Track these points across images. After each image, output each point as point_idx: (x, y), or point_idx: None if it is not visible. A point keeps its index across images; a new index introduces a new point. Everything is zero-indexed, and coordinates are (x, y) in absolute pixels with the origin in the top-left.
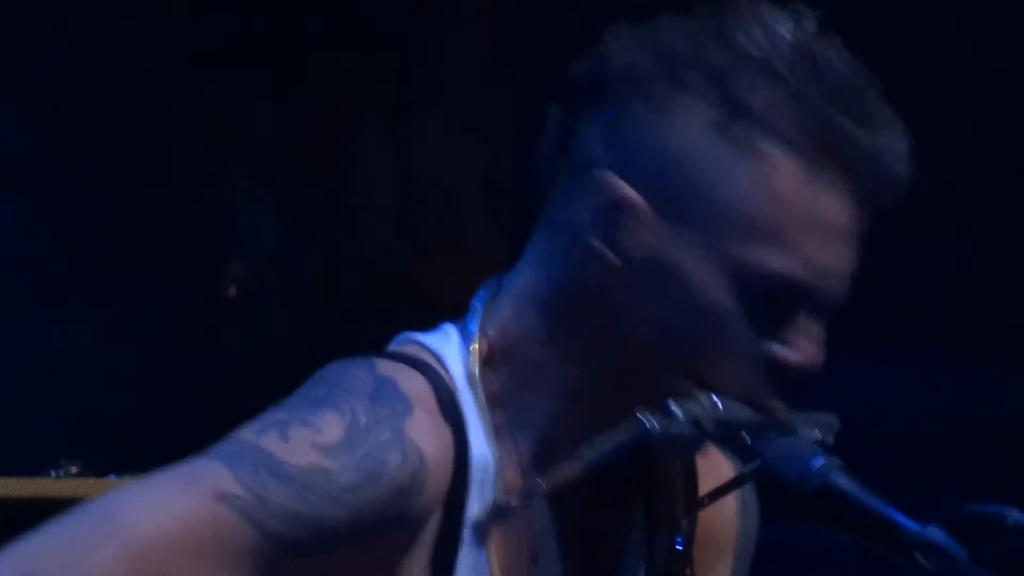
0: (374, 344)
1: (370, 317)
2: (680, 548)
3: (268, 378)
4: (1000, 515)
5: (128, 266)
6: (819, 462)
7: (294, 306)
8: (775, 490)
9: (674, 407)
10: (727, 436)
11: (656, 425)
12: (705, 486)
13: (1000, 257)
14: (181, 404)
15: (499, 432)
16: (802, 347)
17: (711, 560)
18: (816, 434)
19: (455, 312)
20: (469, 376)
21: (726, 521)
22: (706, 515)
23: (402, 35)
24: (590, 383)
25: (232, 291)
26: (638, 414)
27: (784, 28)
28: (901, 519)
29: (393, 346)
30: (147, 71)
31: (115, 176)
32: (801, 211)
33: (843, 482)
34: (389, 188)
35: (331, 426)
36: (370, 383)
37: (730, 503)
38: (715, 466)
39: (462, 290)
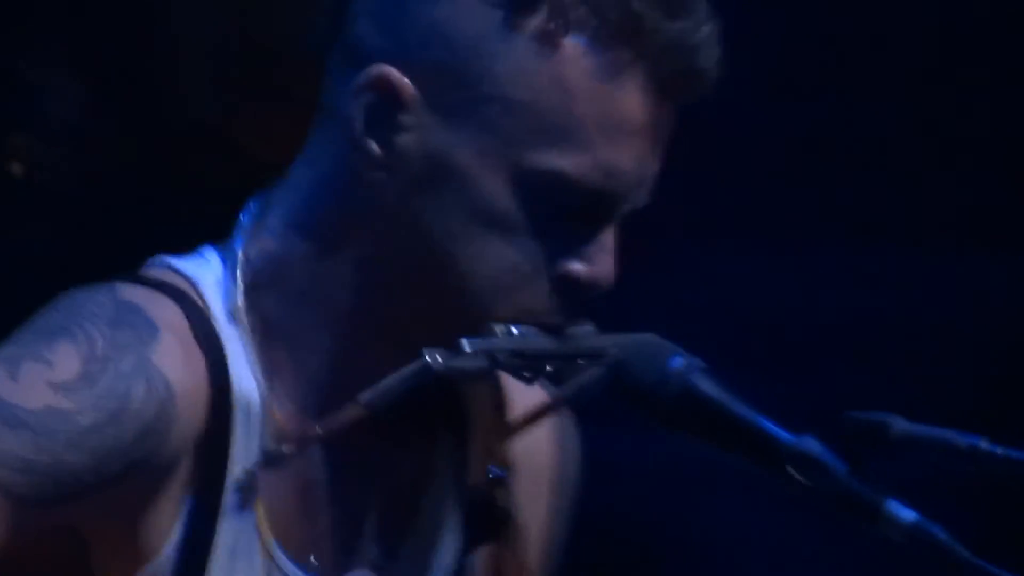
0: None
1: (183, 190)
2: (496, 475)
3: (63, 269)
4: (883, 423)
5: None
6: (679, 363)
7: (92, 184)
8: (630, 394)
9: (465, 342)
10: (528, 367)
11: (440, 361)
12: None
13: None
14: None
15: (269, 368)
16: (595, 259)
17: (531, 492)
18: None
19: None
20: (231, 305)
21: (542, 455)
22: (519, 448)
23: None
24: (366, 309)
25: (17, 169)
26: (423, 350)
27: None
28: (772, 428)
29: (143, 269)
30: None
31: None
32: (593, 106)
33: (706, 385)
34: (202, 38)
35: (66, 359)
36: (110, 309)
37: (545, 436)
38: (531, 395)
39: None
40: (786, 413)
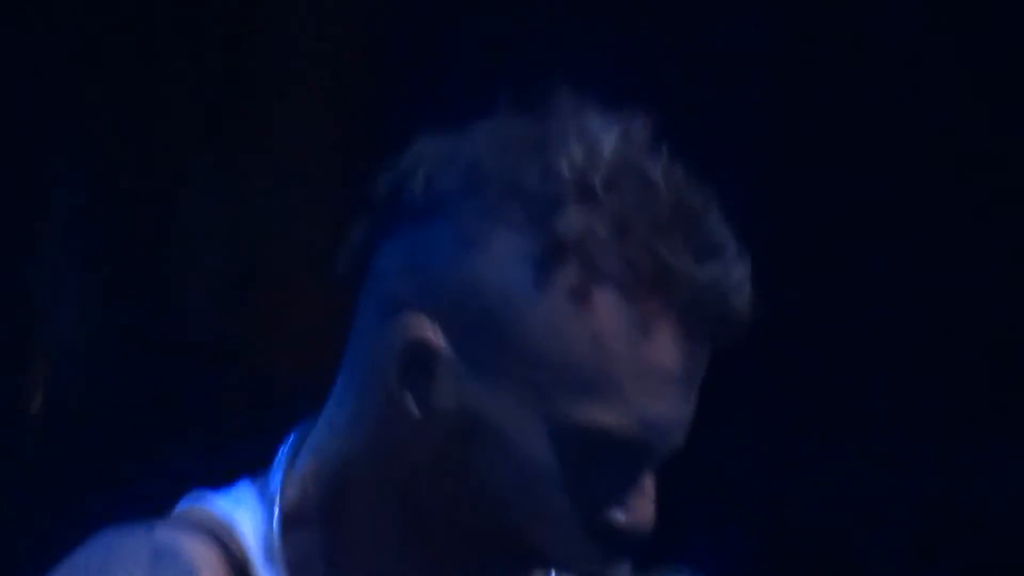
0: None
1: (198, 413)
2: None
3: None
4: None
5: None
6: None
7: (109, 417)
8: None
9: None
10: None
11: None
12: None
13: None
14: None
15: None
16: (635, 507)
17: None
18: None
19: (294, 398)
20: (268, 546)
21: None
22: None
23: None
24: (402, 553)
25: (36, 408)
26: None
27: (607, 141)
28: None
29: (179, 508)
30: None
31: None
32: (628, 359)
33: None
34: (217, 257)
35: None
36: (148, 550)
37: None
38: None
39: (305, 375)
40: None
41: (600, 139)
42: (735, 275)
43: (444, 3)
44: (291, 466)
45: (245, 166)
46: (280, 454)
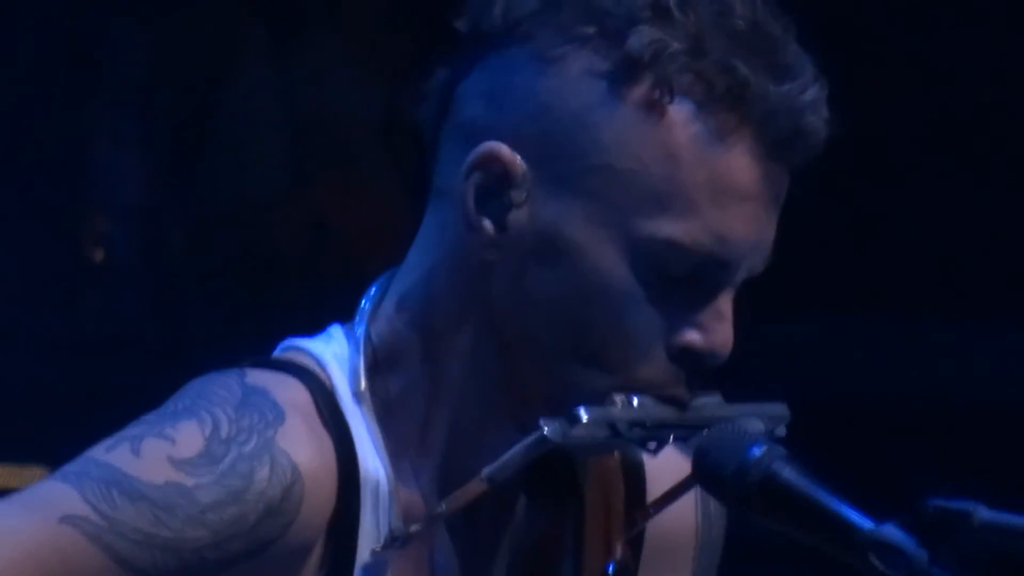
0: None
1: (253, 280)
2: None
3: (142, 348)
4: (966, 512)
5: None
6: (759, 450)
7: (167, 267)
8: (711, 482)
9: (582, 411)
10: (650, 437)
11: (558, 432)
12: (657, 489)
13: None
14: (43, 371)
15: (394, 448)
16: (712, 329)
17: (666, 568)
18: (760, 427)
19: (353, 271)
20: (356, 385)
21: (684, 525)
22: (660, 518)
23: None
24: (485, 385)
25: (100, 254)
26: (541, 421)
27: None
28: (854, 515)
29: (275, 352)
30: None
31: None
32: (705, 174)
33: (787, 473)
34: (273, 127)
35: (189, 437)
36: (237, 392)
37: (687, 504)
38: (668, 465)
39: (361, 250)
40: (868, 498)
41: None
42: (810, 94)
43: None
44: (377, 311)
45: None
46: (366, 297)
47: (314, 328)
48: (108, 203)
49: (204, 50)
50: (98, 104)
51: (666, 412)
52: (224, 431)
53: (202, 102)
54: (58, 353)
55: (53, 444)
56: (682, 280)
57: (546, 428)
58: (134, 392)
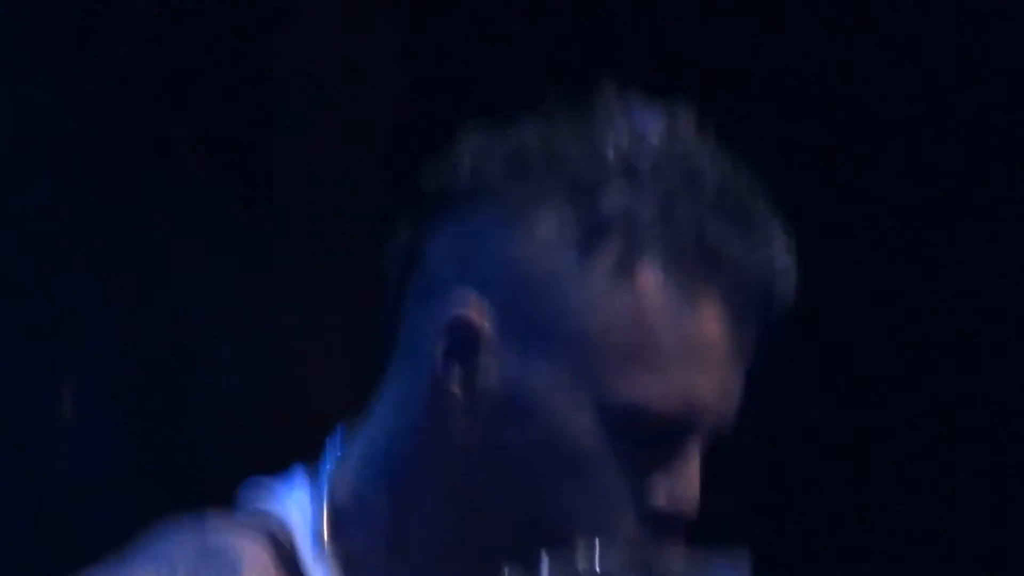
0: None
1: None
2: None
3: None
4: None
5: None
6: None
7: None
8: None
9: (544, 563)
10: None
11: None
12: None
13: None
14: None
15: None
16: (677, 492)
17: None
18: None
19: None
20: (317, 541)
21: None
22: None
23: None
24: (450, 543)
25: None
26: (504, 567)
27: (653, 129)
28: None
29: (239, 497)
30: None
31: None
32: (671, 336)
33: None
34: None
35: None
36: (194, 550)
37: None
38: None
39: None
40: None
41: (646, 126)
42: (780, 260)
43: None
44: (340, 457)
45: None
46: (329, 446)
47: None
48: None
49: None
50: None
51: (625, 567)
52: None
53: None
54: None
55: None
56: (650, 440)
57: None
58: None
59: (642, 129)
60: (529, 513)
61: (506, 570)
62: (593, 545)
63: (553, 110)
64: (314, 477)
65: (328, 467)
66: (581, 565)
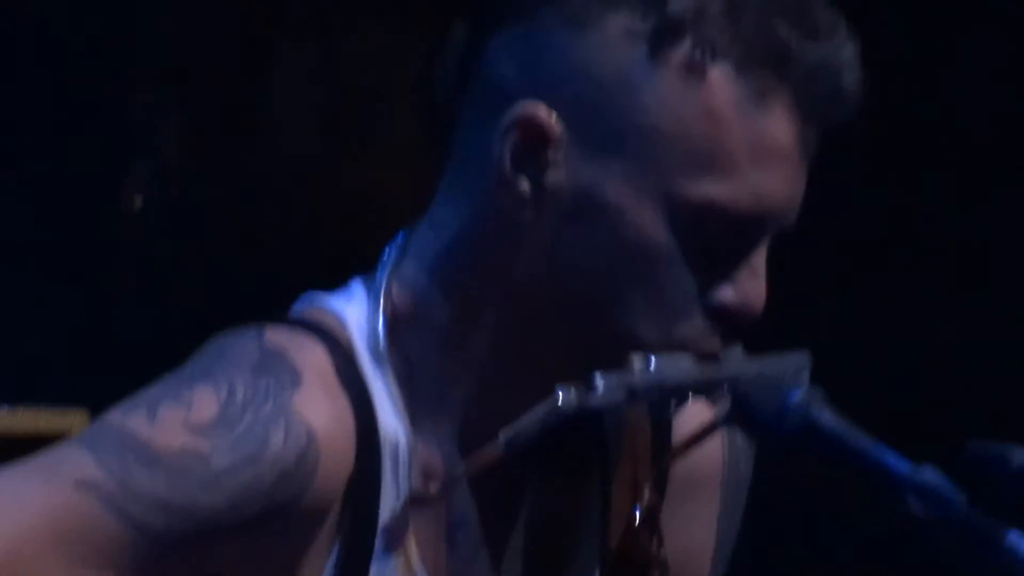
0: (287, 272)
1: (290, 237)
2: (639, 516)
3: (175, 301)
4: (1004, 456)
5: (22, 177)
6: (799, 395)
7: (204, 220)
8: (751, 426)
9: (598, 377)
10: (669, 399)
11: (573, 399)
12: (683, 435)
13: None
14: (82, 330)
15: (414, 408)
16: (747, 287)
17: (693, 504)
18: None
19: (381, 231)
20: (376, 346)
21: (710, 463)
22: (688, 457)
23: None
24: (511, 347)
25: (138, 202)
26: (557, 388)
27: None
28: (891, 460)
29: (295, 309)
30: None
31: (7, 77)
32: (742, 134)
33: (826, 417)
34: (311, 89)
35: (205, 402)
36: (255, 355)
37: (715, 444)
38: (693, 412)
39: (393, 206)
40: (905, 440)
41: None
42: (844, 55)
43: None
44: (399, 268)
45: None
46: (386, 253)
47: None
48: (149, 155)
49: (247, 20)
50: (141, 64)
51: (683, 372)
52: (240, 395)
53: (246, 68)
54: (98, 300)
55: (94, 389)
56: (719, 238)
57: (561, 396)
58: (170, 339)
59: None
60: (595, 320)
61: (557, 388)
62: (649, 360)
63: None
64: (371, 285)
65: (386, 272)
66: (636, 378)
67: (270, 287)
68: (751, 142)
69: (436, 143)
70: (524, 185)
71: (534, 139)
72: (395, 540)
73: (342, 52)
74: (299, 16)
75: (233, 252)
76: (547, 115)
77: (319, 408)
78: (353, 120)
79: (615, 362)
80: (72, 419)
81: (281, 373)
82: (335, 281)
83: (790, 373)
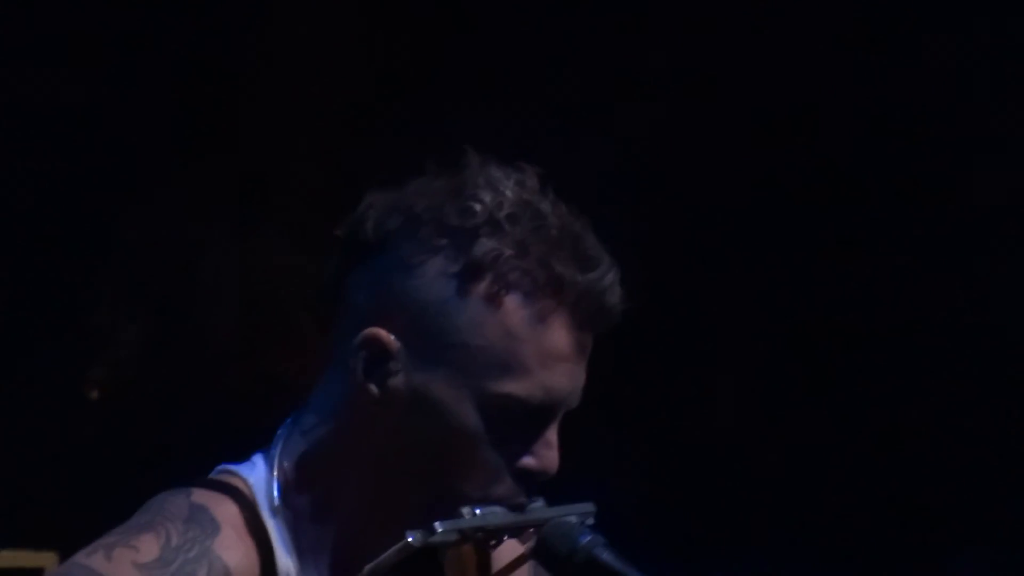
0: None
1: (217, 408)
2: None
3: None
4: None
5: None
6: (586, 538)
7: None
8: (550, 562)
9: (437, 524)
10: (488, 538)
11: (419, 539)
12: (500, 563)
13: None
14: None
15: (302, 549)
16: (542, 455)
17: None
18: (575, 520)
19: (285, 396)
20: (271, 503)
21: None
22: None
23: (257, 170)
24: (372, 503)
25: (95, 395)
26: (406, 532)
27: (507, 187)
28: None
29: (213, 472)
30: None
31: None
32: (532, 346)
33: (606, 556)
34: (234, 298)
35: (148, 546)
36: (185, 509)
37: (522, 571)
38: (507, 549)
39: (295, 383)
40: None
41: (502, 185)
42: (608, 279)
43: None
44: (288, 443)
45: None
46: (280, 433)
47: (254, 445)
48: (104, 354)
49: (184, 232)
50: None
51: (500, 519)
52: (174, 541)
53: (182, 276)
54: (65, 461)
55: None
56: (520, 422)
57: (410, 537)
58: (125, 490)
59: (500, 187)
60: (431, 482)
61: (408, 535)
62: (474, 511)
63: (434, 174)
64: (268, 455)
65: (278, 448)
66: (465, 524)
67: (196, 456)
68: (539, 351)
69: (327, 342)
70: (373, 388)
71: (379, 354)
72: None
73: (258, 268)
74: (224, 244)
75: (166, 426)
76: (387, 336)
77: (233, 551)
78: (267, 322)
79: (449, 512)
80: (44, 558)
81: (205, 524)
82: (245, 448)
83: (580, 520)
